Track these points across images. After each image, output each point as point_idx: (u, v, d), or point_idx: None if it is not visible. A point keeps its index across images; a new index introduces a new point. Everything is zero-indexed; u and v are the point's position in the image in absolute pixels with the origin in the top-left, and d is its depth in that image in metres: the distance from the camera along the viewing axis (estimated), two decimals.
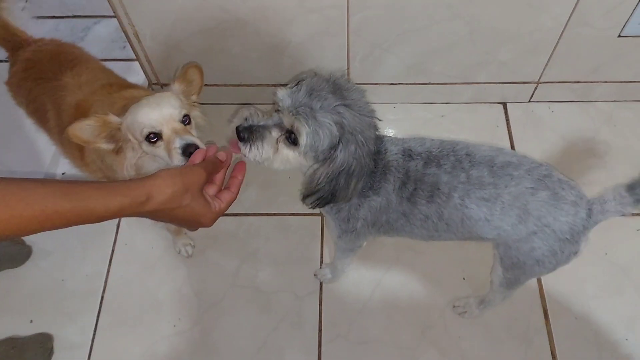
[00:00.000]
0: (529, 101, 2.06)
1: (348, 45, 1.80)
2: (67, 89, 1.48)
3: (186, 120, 1.29)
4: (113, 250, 1.80)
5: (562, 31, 1.73)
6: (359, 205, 1.23)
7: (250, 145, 1.12)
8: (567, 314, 1.64)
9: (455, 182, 1.15)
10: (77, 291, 1.73)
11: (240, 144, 1.13)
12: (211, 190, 0.98)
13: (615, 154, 1.93)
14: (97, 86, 1.49)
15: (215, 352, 1.62)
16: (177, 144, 1.22)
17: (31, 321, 1.68)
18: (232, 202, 1.00)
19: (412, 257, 1.75)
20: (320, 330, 1.64)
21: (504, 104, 2.07)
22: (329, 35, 1.75)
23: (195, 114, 1.38)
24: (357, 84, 1.92)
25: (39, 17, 2.41)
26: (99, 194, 0.78)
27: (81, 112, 1.40)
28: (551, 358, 1.58)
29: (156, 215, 0.86)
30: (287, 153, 1.12)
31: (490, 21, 1.70)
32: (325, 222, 1.83)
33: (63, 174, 1.95)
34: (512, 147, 1.96)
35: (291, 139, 1.10)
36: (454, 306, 1.65)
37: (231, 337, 1.64)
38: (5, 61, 1.66)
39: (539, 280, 1.69)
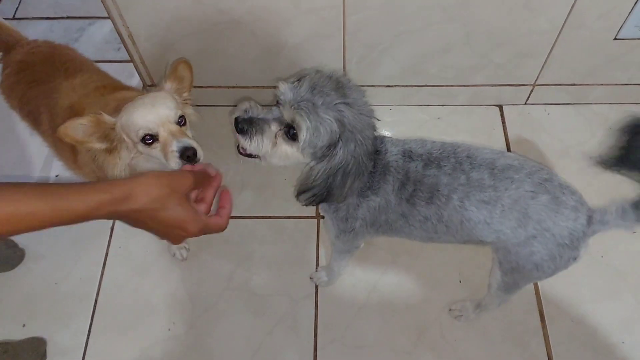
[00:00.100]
0: (525, 103, 2.06)
1: (344, 46, 1.79)
2: (61, 91, 1.47)
3: (182, 121, 1.28)
4: (107, 254, 1.78)
5: (558, 34, 1.73)
6: (358, 205, 1.22)
7: (250, 138, 1.11)
8: (563, 317, 1.64)
9: (455, 184, 1.15)
10: (70, 295, 1.71)
11: (239, 136, 1.12)
12: (201, 207, 0.92)
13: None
14: (91, 88, 1.47)
15: (210, 357, 1.61)
16: (175, 147, 1.22)
17: (24, 325, 1.66)
18: (221, 228, 0.94)
19: (408, 260, 1.74)
20: (315, 334, 1.63)
21: (500, 107, 2.06)
22: (325, 36, 1.75)
23: (188, 111, 1.37)
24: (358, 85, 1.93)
25: (32, 18, 2.39)
26: (78, 193, 0.75)
27: (75, 115, 1.37)
28: None
29: (138, 216, 0.82)
30: (286, 148, 1.12)
31: (486, 23, 1.70)
32: (321, 224, 1.82)
33: (56, 176, 1.94)
34: (508, 149, 1.96)
35: (290, 134, 1.09)
36: (450, 309, 1.64)
37: (226, 341, 1.63)
38: None
39: (536, 284, 1.69)
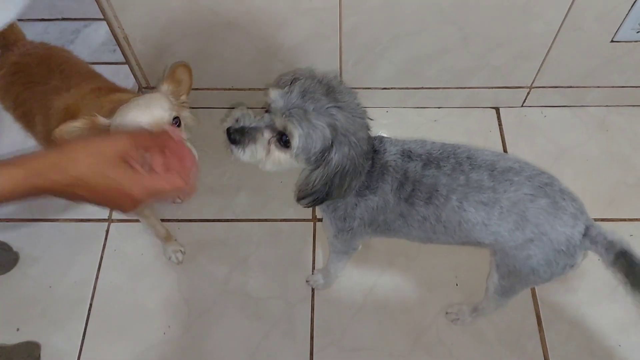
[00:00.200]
0: (522, 106, 2.06)
1: (340, 49, 1.78)
2: (55, 93, 1.46)
3: (176, 122, 1.27)
4: (102, 257, 1.77)
5: (555, 36, 1.73)
6: (356, 204, 1.22)
7: (242, 148, 1.11)
8: (560, 320, 1.63)
9: (454, 184, 1.14)
10: (65, 298, 1.70)
11: (232, 147, 1.12)
12: (156, 167, 0.85)
13: (607, 159, 1.93)
14: (86, 90, 1.46)
15: None
16: None
17: (18, 329, 1.65)
18: (178, 187, 0.85)
19: (405, 263, 1.74)
20: (312, 338, 1.62)
21: (497, 109, 2.06)
22: (321, 38, 1.74)
23: (185, 114, 1.36)
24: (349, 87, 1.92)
25: (27, 20, 2.38)
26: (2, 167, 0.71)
27: (69, 117, 1.37)
28: None
29: (69, 188, 0.75)
30: (279, 155, 1.12)
31: (482, 26, 1.69)
32: (317, 227, 1.81)
33: None
34: (505, 151, 1.96)
35: (283, 140, 1.09)
36: (446, 313, 1.64)
37: (221, 345, 1.62)
38: None
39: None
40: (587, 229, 1.12)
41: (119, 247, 1.79)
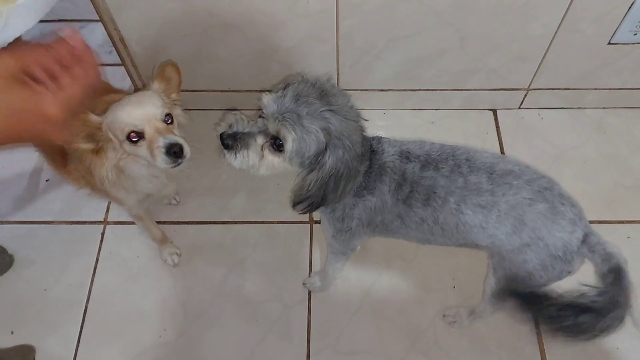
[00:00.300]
0: (519, 108, 2.05)
1: (337, 51, 1.78)
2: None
3: (168, 119, 1.27)
4: (97, 259, 1.76)
5: (552, 38, 1.72)
6: (354, 204, 1.22)
7: (235, 153, 1.11)
8: None
9: (452, 186, 1.14)
10: (60, 301, 1.69)
11: (225, 152, 1.12)
12: (59, 80, 0.79)
13: (604, 161, 1.92)
14: None
15: None
16: (161, 143, 1.21)
17: (12, 332, 1.64)
18: (85, 78, 0.81)
19: (402, 265, 1.73)
20: (308, 341, 1.61)
21: (494, 111, 2.06)
22: (318, 40, 1.73)
23: (177, 112, 1.36)
24: (346, 90, 1.91)
25: None
26: None
27: None
28: None
29: None
30: (273, 159, 1.12)
31: (480, 28, 1.69)
32: (314, 229, 1.80)
33: (47, 180, 1.91)
34: (502, 153, 1.95)
35: (276, 145, 1.09)
36: (444, 315, 1.63)
37: (218, 348, 1.61)
38: None
39: None
40: (585, 236, 1.12)
41: (115, 249, 1.78)
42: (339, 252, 1.46)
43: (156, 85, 1.33)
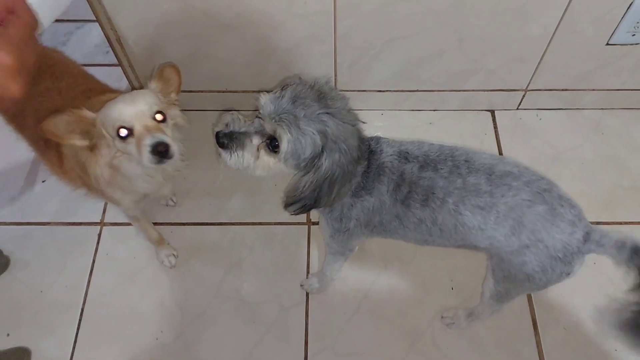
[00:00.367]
0: (517, 109, 2.05)
1: (335, 51, 1.77)
2: (47, 95, 1.44)
3: (162, 118, 1.27)
4: (94, 261, 1.75)
5: (551, 39, 1.72)
6: (352, 205, 1.22)
7: (230, 153, 1.12)
8: (556, 324, 1.63)
9: (451, 187, 1.14)
10: (56, 303, 1.68)
11: (221, 151, 1.13)
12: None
13: (602, 162, 1.92)
14: (77, 91, 1.46)
15: None
16: (148, 141, 1.21)
17: (8, 334, 1.62)
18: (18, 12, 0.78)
19: (400, 266, 1.73)
20: (306, 343, 1.61)
21: (492, 112, 2.06)
22: (316, 41, 1.73)
23: (174, 113, 1.36)
24: (344, 90, 1.91)
25: None
26: None
27: None
28: None
29: None
30: (268, 160, 1.12)
31: (478, 28, 1.68)
32: (312, 231, 1.80)
33: (43, 181, 1.90)
34: (500, 154, 1.95)
35: (272, 145, 1.09)
36: (442, 317, 1.63)
37: (215, 350, 1.60)
38: None
39: None
40: (587, 234, 1.11)
41: (111, 250, 1.77)
42: (337, 252, 1.46)
43: (153, 84, 1.33)
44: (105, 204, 1.85)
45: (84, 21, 2.32)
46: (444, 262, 1.72)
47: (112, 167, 1.33)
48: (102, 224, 1.82)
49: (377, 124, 2.02)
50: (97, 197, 1.56)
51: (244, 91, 1.96)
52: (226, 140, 1.11)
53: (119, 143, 1.24)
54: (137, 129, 1.22)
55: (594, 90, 1.95)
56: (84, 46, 2.27)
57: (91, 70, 1.62)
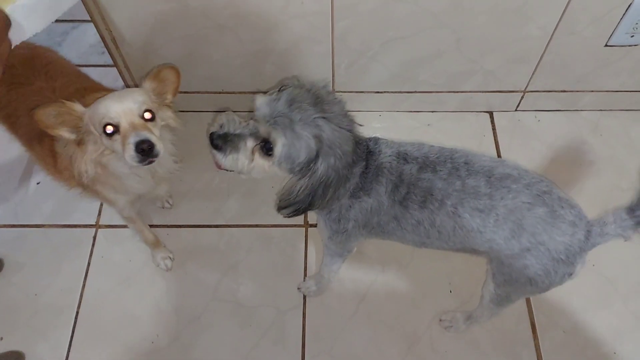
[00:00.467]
0: (516, 110, 2.04)
1: (333, 52, 1.76)
2: (41, 94, 1.44)
3: (150, 116, 1.26)
4: (89, 264, 1.74)
5: (549, 40, 1.71)
6: (350, 206, 1.21)
7: (225, 155, 1.11)
8: (555, 327, 1.62)
9: (450, 189, 1.13)
10: (50, 306, 1.66)
11: (215, 152, 1.12)
12: None
13: (601, 163, 1.92)
14: (71, 90, 1.45)
15: None
16: (132, 139, 1.20)
17: (1, 338, 1.61)
18: None
19: (398, 269, 1.71)
20: (303, 346, 1.59)
21: (491, 113, 2.05)
22: (313, 42, 1.72)
23: (167, 114, 1.35)
24: (342, 92, 1.91)
25: None
26: None
27: None
28: None
29: None
30: (263, 163, 1.11)
31: (477, 30, 1.68)
32: (309, 233, 1.79)
33: (38, 183, 1.89)
34: (499, 155, 1.94)
35: (266, 148, 1.08)
36: (440, 320, 1.62)
37: (211, 354, 1.59)
38: None
39: None
40: (588, 232, 1.11)
41: (107, 253, 1.76)
42: (336, 253, 1.45)
43: (147, 83, 1.32)
44: (101, 206, 1.84)
45: (79, 21, 2.30)
46: (442, 265, 1.71)
47: (100, 165, 1.32)
48: (97, 226, 1.80)
49: (375, 125, 2.01)
50: (91, 197, 1.54)
51: (240, 92, 1.94)
52: (220, 142, 1.10)
53: (105, 140, 1.24)
54: (123, 126, 1.21)
55: (592, 91, 1.95)
56: (80, 46, 2.25)
57: (87, 71, 1.61)
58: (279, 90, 1.08)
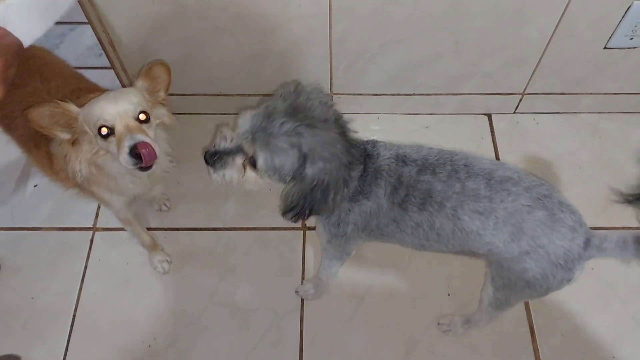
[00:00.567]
0: (514, 112, 2.04)
1: (331, 55, 1.76)
2: (36, 95, 1.43)
3: (145, 118, 1.25)
4: (86, 267, 1.73)
5: (548, 42, 1.71)
6: (349, 209, 1.21)
7: (216, 172, 1.16)
8: (553, 331, 1.61)
9: (449, 191, 1.13)
10: (47, 310, 1.66)
11: (209, 169, 1.17)
12: None
13: (599, 166, 1.91)
14: (67, 91, 1.44)
15: None
16: (127, 142, 1.20)
17: None
18: None
19: (396, 272, 1.71)
20: (301, 350, 1.59)
21: (489, 115, 2.04)
22: (311, 44, 1.71)
23: (161, 112, 1.35)
24: (340, 94, 1.90)
25: None
26: None
27: None
28: None
29: None
30: (254, 176, 1.14)
31: (475, 32, 1.67)
32: (307, 236, 1.78)
33: (35, 186, 1.88)
34: (497, 158, 1.94)
35: (252, 162, 1.12)
36: (438, 324, 1.61)
37: (209, 357, 1.58)
38: None
39: None
40: (587, 240, 1.10)
41: (104, 256, 1.75)
42: (334, 257, 1.45)
43: (140, 82, 1.32)
44: (98, 209, 1.83)
45: (75, 23, 2.29)
46: (440, 268, 1.70)
47: (95, 166, 1.32)
48: (94, 229, 1.80)
49: (373, 128, 2.00)
50: (88, 197, 1.54)
51: (238, 95, 1.94)
52: (211, 160, 1.15)
53: (100, 141, 1.24)
54: (119, 128, 1.21)
55: (591, 94, 1.94)
56: (77, 49, 2.24)
57: (84, 73, 1.60)
58: (259, 104, 1.11)
